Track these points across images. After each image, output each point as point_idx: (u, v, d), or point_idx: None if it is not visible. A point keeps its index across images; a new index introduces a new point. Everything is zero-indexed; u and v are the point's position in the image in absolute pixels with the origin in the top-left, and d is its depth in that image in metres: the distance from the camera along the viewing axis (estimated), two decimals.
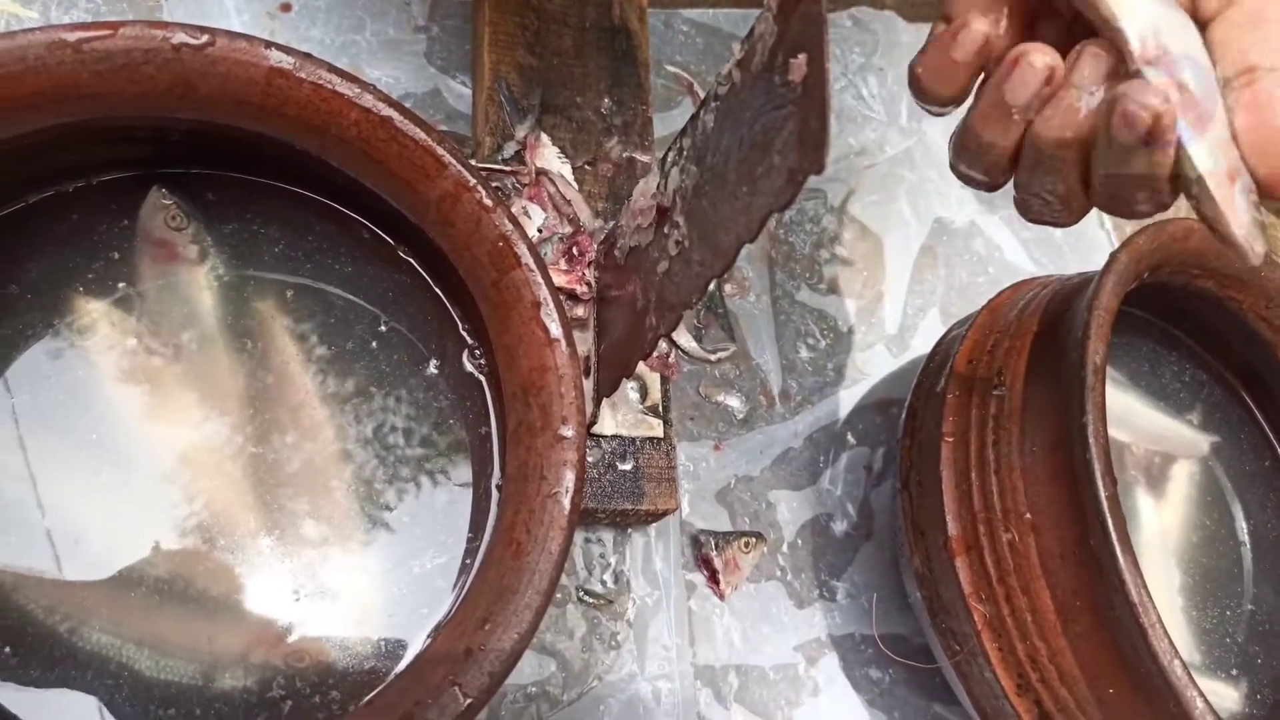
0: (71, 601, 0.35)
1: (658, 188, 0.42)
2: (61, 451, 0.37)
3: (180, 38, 0.35)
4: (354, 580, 0.38)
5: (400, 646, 0.38)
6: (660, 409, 0.49)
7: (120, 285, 0.40)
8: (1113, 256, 0.44)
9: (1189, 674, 0.38)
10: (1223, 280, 0.52)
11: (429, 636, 0.38)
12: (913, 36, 0.72)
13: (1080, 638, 0.41)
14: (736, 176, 0.34)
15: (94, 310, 0.39)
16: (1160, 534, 0.52)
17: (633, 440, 0.48)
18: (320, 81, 0.36)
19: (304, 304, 0.42)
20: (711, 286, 0.46)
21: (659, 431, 0.48)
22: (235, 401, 0.40)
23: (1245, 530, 0.54)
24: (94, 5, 0.52)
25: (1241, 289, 0.52)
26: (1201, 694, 0.38)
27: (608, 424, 0.47)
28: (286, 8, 0.55)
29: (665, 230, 0.40)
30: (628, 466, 0.47)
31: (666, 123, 0.61)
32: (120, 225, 0.40)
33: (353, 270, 0.42)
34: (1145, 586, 0.38)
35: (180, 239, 0.40)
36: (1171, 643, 0.38)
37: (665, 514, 0.49)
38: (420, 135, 0.37)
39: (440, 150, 0.37)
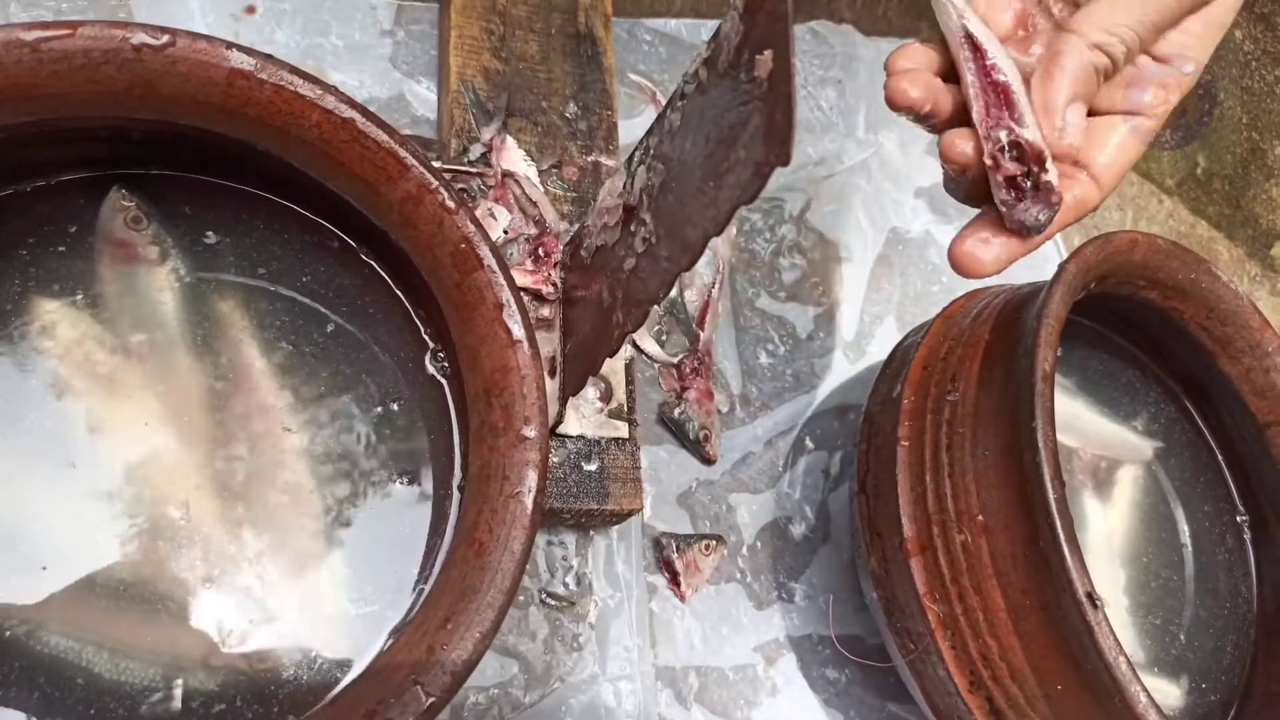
0: (24, 609, 0.35)
1: (624, 187, 0.42)
2: (16, 453, 0.37)
3: (140, 38, 0.34)
4: (314, 583, 0.38)
5: (362, 647, 0.38)
6: (625, 410, 0.49)
7: (79, 286, 0.39)
8: (1061, 267, 0.45)
9: (1133, 670, 0.39)
10: (1166, 291, 0.54)
11: (390, 636, 0.38)
12: (871, 50, 0.73)
13: (1030, 636, 0.43)
14: (703, 172, 0.35)
15: (52, 311, 0.39)
16: (1106, 535, 0.53)
17: (598, 441, 0.48)
18: (281, 83, 0.36)
19: (265, 306, 0.41)
20: (674, 291, 0.47)
21: (624, 432, 0.49)
22: (195, 404, 0.39)
23: (1186, 532, 0.56)
24: (56, 4, 0.51)
25: (1184, 300, 0.54)
26: (1145, 689, 0.39)
27: (573, 424, 0.48)
28: (251, 10, 0.55)
29: (632, 228, 0.41)
30: (593, 467, 0.48)
31: (629, 130, 0.62)
32: (79, 226, 0.40)
33: (314, 272, 0.42)
34: (1092, 586, 0.39)
35: (140, 239, 0.40)
36: (1117, 640, 0.39)
37: (630, 514, 0.49)
38: (382, 137, 0.37)
39: (402, 152, 0.38)
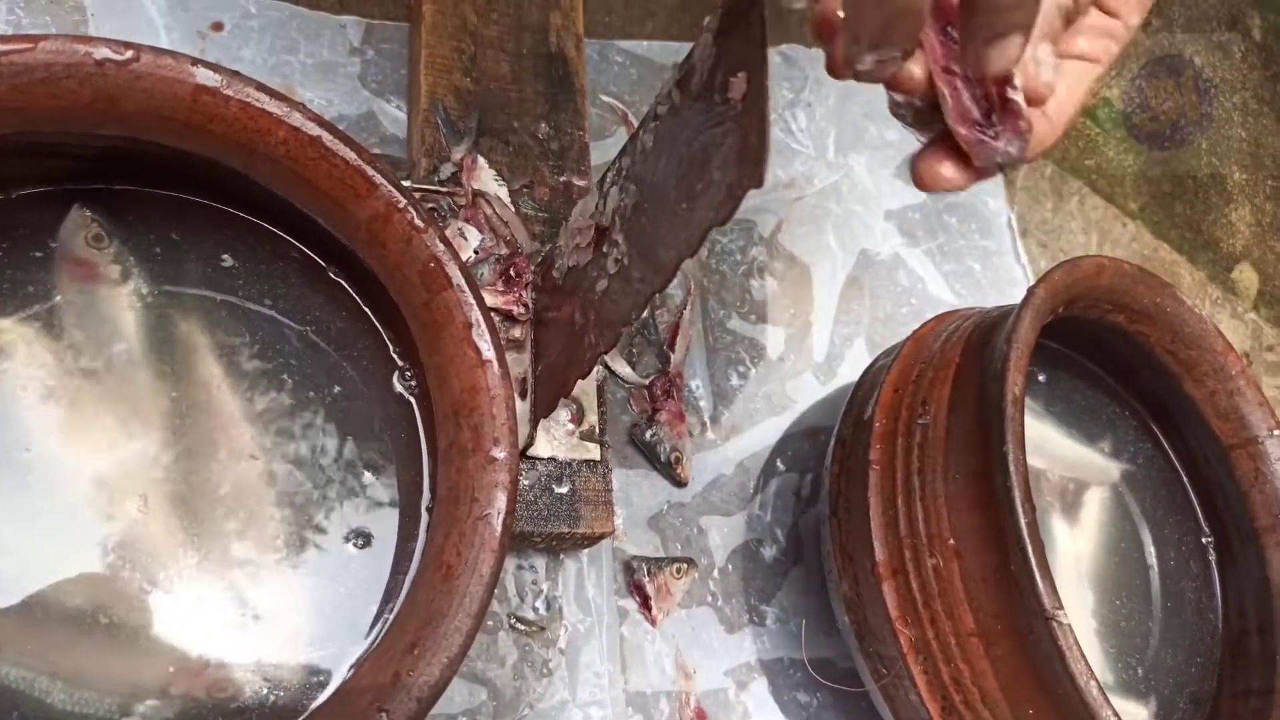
0: None
1: (596, 208, 0.42)
2: None
3: (103, 53, 0.34)
4: (278, 607, 0.37)
5: (326, 674, 0.37)
6: (597, 432, 0.49)
7: (39, 305, 0.38)
8: (1030, 292, 0.46)
9: (1104, 694, 0.39)
10: (1133, 315, 0.54)
11: (355, 663, 0.37)
12: None
13: (1001, 660, 0.43)
14: (676, 194, 0.35)
15: (11, 331, 0.38)
16: (1075, 558, 0.54)
17: (569, 463, 0.48)
18: (247, 99, 0.36)
19: (230, 324, 0.41)
20: (645, 313, 0.46)
21: (596, 454, 0.48)
22: (157, 424, 0.38)
23: (1153, 554, 0.56)
24: (15, 18, 0.50)
25: (1150, 324, 0.55)
26: (1115, 713, 0.39)
27: (544, 446, 0.47)
28: (218, 26, 0.54)
29: (604, 249, 0.41)
30: (564, 489, 0.47)
31: (601, 151, 0.62)
32: (40, 243, 0.39)
33: (281, 290, 0.42)
34: (1063, 610, 0.39)
35: (102, 258, 0.39)
36: (1088, 664, 0.39)
37: (601, 537, 0.49)
38: (350, 155, 0.37)
39: (370, 170, 0.37)
